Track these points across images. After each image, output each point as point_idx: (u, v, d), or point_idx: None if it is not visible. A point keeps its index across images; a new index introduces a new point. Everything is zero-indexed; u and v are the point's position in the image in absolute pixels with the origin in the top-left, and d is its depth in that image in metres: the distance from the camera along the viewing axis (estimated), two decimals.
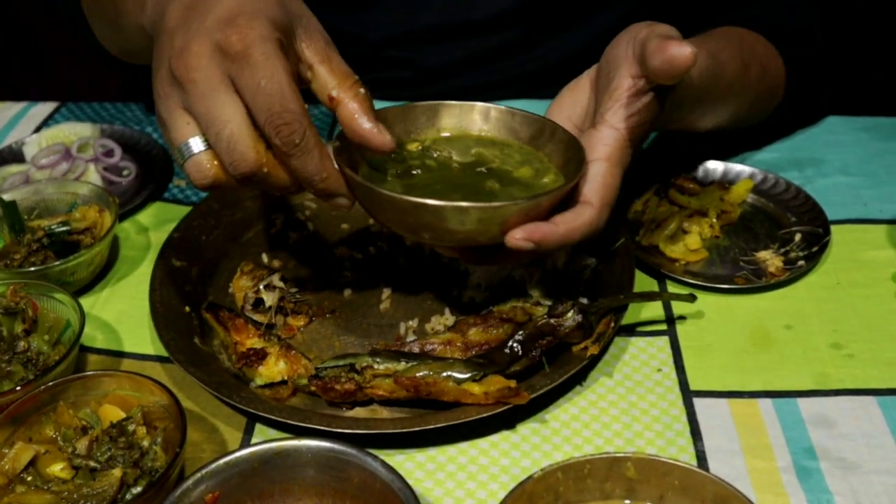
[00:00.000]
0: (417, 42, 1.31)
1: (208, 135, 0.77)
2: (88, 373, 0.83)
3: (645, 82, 0.85)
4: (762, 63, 1.10)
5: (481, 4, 1.27)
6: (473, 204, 0.78)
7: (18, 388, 0.83)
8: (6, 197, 1.06)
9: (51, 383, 0.82)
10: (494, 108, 0.93)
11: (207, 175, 0.79)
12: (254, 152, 0.77)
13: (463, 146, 0.93)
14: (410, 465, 0.83)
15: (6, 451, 0.78)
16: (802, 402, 0.87)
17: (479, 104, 0.93)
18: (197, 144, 0.78)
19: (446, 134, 0.94)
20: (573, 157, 0.86)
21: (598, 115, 0.86)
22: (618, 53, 0.88)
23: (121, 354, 0.96)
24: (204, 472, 0.73)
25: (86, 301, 1.02)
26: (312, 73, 0.80)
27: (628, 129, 0.85)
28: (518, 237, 0.80)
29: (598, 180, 0.84)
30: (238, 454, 0.74)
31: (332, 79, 0.80)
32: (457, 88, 1.31)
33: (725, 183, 1.13)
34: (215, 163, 0.78)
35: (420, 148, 0.93)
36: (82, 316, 0.90)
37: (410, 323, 0.97)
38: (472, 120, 0.94)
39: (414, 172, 0.89)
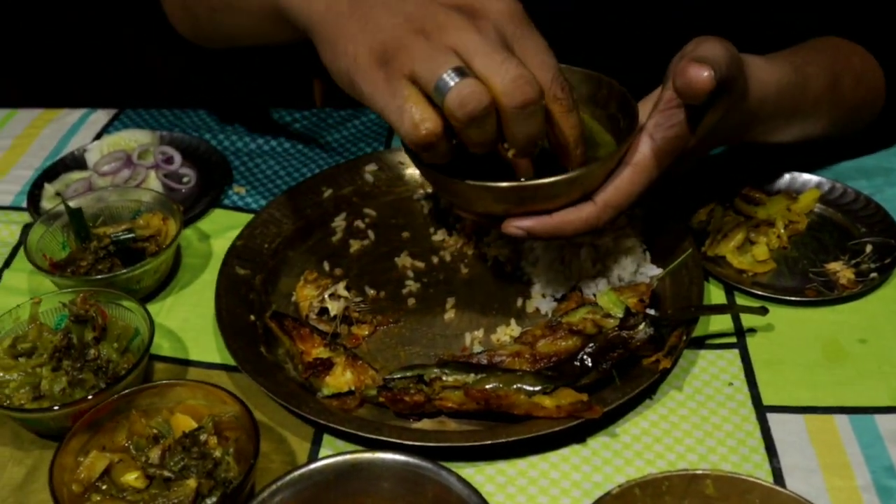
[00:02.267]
0: None
1: (497, 71, 0.76)
2: (162, 381, 0.84)
3: None
4: (856, 76, 1.07)
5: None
6: (498, 184, 0.84)
7: (90, 396, 0.83)
8: (72, 204, 1.07)
9: (125, 392, 0.82)
10: None
11: (482, 97, 0.75)
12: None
13: None
14: (481, 478, 0.82)
15: (81, 459, 0.79)
16: (880, 419, 0.85)
17: None
18: (449, 82, 0.74)
19: None
20: (627, 115, 0.91)
21: (638, 122, 0.89)
22: (672, 66, 0.89)
23: (186, 363, 0.97)
24: (279, 483, 0.72)
25: (151, 308, 1.01)
26: None
27: (664, 139, 0.87)
28: (513, 224, 0.87)
29: (613, 181, 0.87)
30: (313, 466, 0.74)
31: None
32: None
33: (792, 192, 1.11)
34: (484, 88, 0.75)
35: None
36: (151, 324, 0.91)
37: (476, 333, 0.96)
38: None
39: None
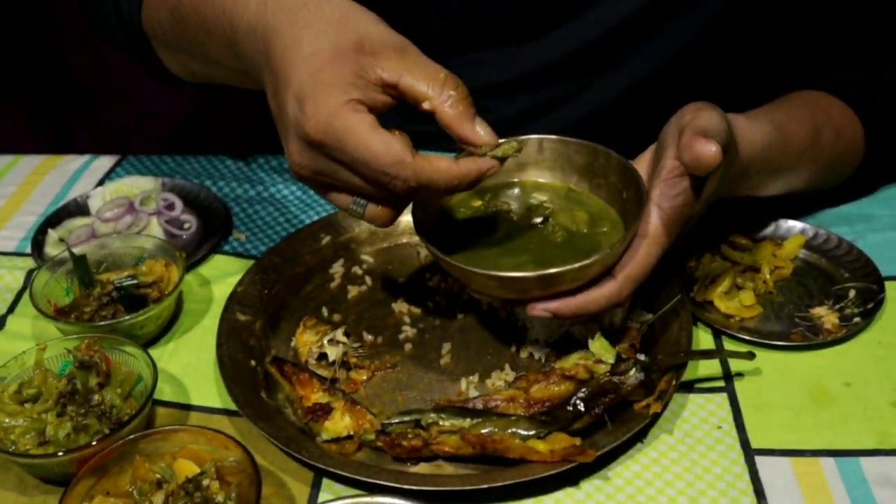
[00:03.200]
0: (489, 95, 1.33)
1: (358, 197, 0.87)
2: (166, 427, 0.86)
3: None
4: (836, 128, 1.11)
5: (539, 60, 1.29)
6: (523, 274, 0.86)
7: (94, 442, 0.85)
8: (76, 251, 1.10)
9: (129, 437, 0.84)
10: (547, 139, 1.00)
11: (386, 217, 0.88)
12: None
13: (522, 198, 1.00)
14: None
15: None
16: (865, 462, 0.88)
17: (533, 137, 0.99)
18: (359, 203, 0.87)
19: (513, 178, 1.01)
20: (630, 185, 0.93)
21: (646, 193, 0.91)
22: (667, 135, 0.93)
23: (188, 407, 0.99)
24: None
25: (153, 353, 1.03)
26: (400, 92, 0.82)
27: (672, 208, 0.90)
28: (539, 308, 0.88)
29: (630, 255, 0.89)
30: None
31: (418, 92, 0.81)
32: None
33: (777, 239, 1.14)
34: (385, 208, 0.87)
35: (482, 205, 1.00)
36: (155, 370, 0.93)
37: (472, 378, 0.99)
38: (526, 153, 0.99)
39: (481, 236, 0.96)
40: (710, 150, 0.85)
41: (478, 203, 1.00)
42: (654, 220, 0.89)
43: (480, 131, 0.83)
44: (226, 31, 0.94)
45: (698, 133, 0.86)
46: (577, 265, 0.85)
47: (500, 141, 0.86)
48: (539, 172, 1.01)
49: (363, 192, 0.85)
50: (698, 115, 0.90)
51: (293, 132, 0.82)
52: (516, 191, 1.01)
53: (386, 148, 0.79)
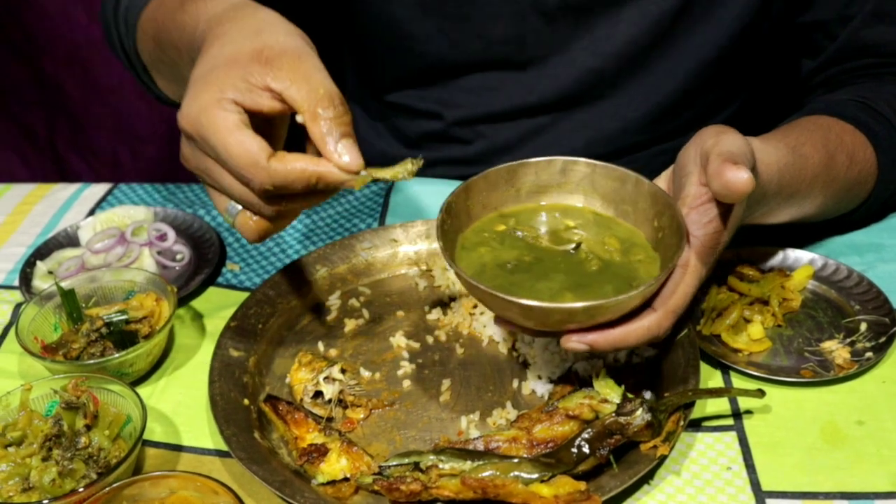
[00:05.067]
0: (488, 122, 1.33)
1: (233, 202, 0.88)
2: (153, 473, 0.82)
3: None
4: (849, 154, 1.08)
5: (539, 88, 1.28)
6: (561, 305, 0.83)
7: (82, 488, 0.82)
8: (65, 285, 1.07)
9: (115, 484, 0.81)
10: (571, 161, 0.96)
11: (251, 228, 0.88)
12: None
13: (550, 223, 0.97)
14: None
15: None
16: None
17: (558, 158, 0.96)
18: (235, 207, 0.88)
19: (535, 202, 0.98)
20: (663, 213, 0.90)
21: (684, 222, 0.87)
22: (688, 160, 0.89)
23: (179, 448, 0.95)
24: None
25: (143, 391, 1.01)
26: (285, 101, 0.83)
27: (705, 235, 0.87)
28: (574, 340, 0.85)
29: (670, 287, 0.86)
30: None
31: (296, 104, 0.82)
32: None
33: (785, 270, 1.11)
34: (253, 217, 0.88)
35: (506, 230, 0.96)
36: (144, 412, 0.89)
37: (472, 417, 0.95)
38: (550, 176, 0.96)
39: (512, 263, 0.92)
40: (741, 177, 0.81)
41: (502, 228, 0.96)
42: (689, 250, 0.86)
43: (342, 154, 0.81)
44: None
45: (726, 159, 0.83)
46: (622, 296, 0.81)
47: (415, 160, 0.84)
48: (562, 196, 0.97)
49: (235, 195, 0.85)
50: (721, 139, 0.86)
51: (181, 128, 0.85)
52: (542, 216, 0.97)
53: (241, 149, 0.80)
